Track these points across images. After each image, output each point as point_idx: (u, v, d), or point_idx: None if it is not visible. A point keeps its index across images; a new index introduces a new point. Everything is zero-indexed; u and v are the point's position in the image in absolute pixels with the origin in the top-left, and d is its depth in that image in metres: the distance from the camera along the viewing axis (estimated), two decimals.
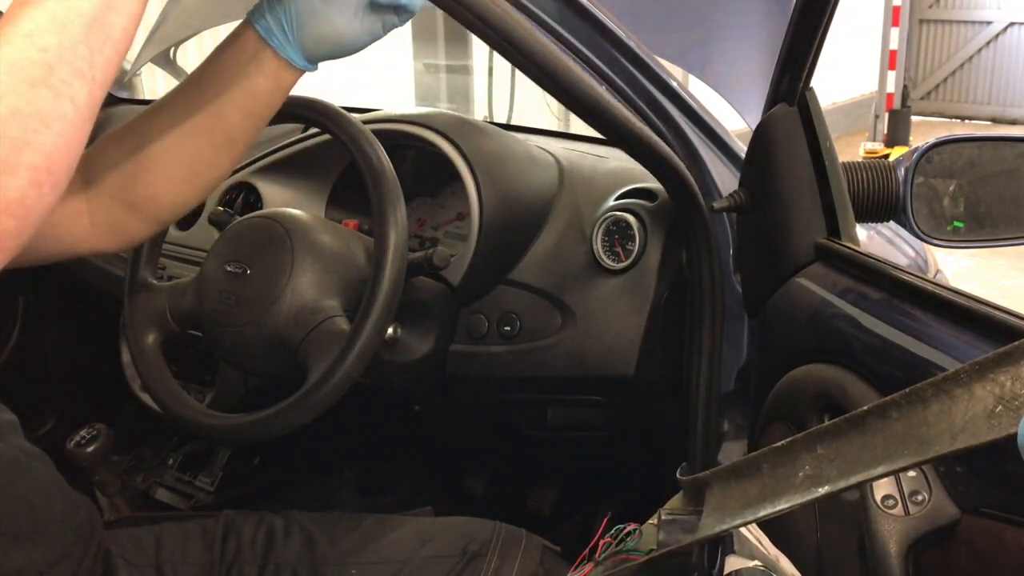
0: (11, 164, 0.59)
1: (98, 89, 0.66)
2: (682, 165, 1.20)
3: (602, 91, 1.08)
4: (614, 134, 1.14)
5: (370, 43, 0.86)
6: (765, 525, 0.83)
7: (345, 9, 0.82)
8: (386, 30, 0.86)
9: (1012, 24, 8.45)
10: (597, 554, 0.86)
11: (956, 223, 1.26)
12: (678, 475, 0.82)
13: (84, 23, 0.64)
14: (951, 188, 1.25)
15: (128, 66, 2.39)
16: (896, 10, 7.09)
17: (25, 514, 0.96)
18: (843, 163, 1.15)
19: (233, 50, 0.86)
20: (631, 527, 0.86)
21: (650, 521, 0.83)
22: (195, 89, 0.89)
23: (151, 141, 0.90)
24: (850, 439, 0.63)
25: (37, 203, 0.61)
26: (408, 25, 0.87)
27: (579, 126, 1.54)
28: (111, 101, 2.16)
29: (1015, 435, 0.52)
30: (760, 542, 0.80)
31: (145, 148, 0.90)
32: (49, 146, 0.62)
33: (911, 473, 0.80)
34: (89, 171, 0.92)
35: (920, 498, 0.78)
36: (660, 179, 1.24)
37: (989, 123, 8.67)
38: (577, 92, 1.03)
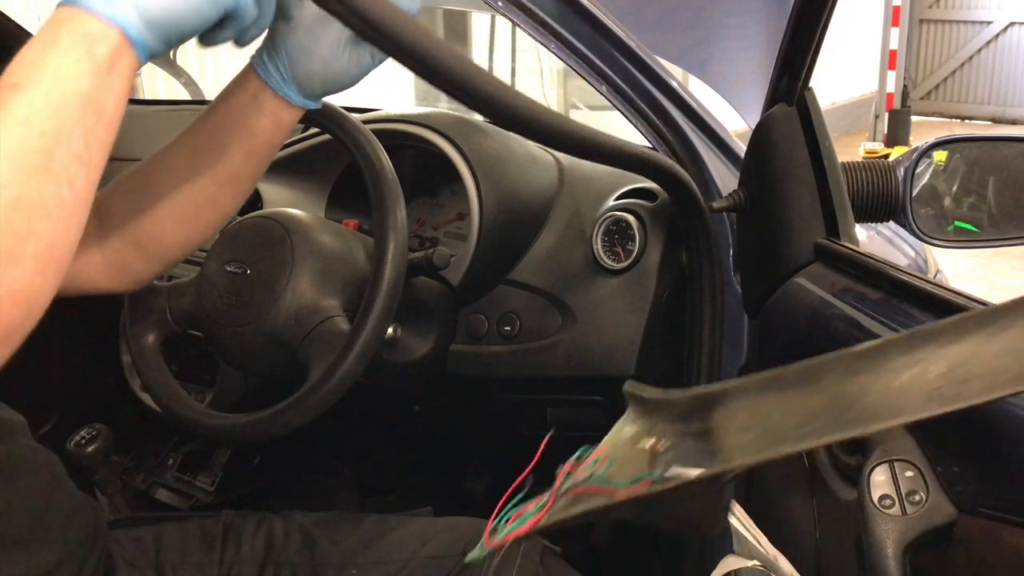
0: (17, 255, 0.58)
1: (94, 171, 0.65)
2: (675, 164, 1.20)
3: (552, 112, 1.02)
4: (594, 155, 1.13)
5: (361, 75, 0.87)
6: (764, 525, 0.83)
7: (330, 44, 0.84)
8: (376, 60, 0.86)
9: (1012, 24, 8.45)
10: (556, 486, 0.68)
11: (956, 223, 1.26)
12: (671, 394, 0.65)
13: (79, 103, 0.63)
14: (951, 188, 1.25)
15: None
16: (896, 10, 7.09)
17: (28, 515, 0.96)
18: (842, 163, 1.15)
19: (236, 91, 0.88)
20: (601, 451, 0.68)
21: (643, 444, 0.65)
22: (202, 129, 0.91)
23: (158, 179, 0.93)
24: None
25: (42, 291, 0.61)
26: None
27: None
28: None
29: None
30: (759, 541, 0.80)
31: (153, 186, 0.93)
32: (51, 234, 0.61)
33: (908, 473, 0.80)
34: (102, 209, 0.94)
35: (917, 498, 0.78)
36: (657, 181, 1.24)
37: (989, 123, 8.67)
38: (531, 120, 0.99)
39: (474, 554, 0.75)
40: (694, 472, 0.58)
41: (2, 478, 0.94)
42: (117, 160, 2.21)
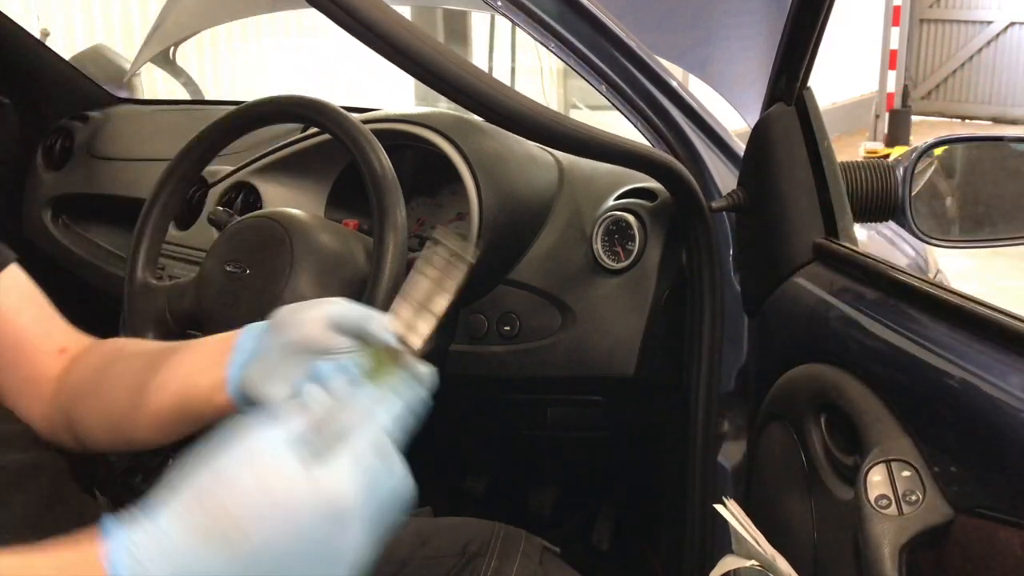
0: None
1: None
2: (674, 160, 1.20)
3: (547, 109, 1.01)
4: (586, 151, 1.14)
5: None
6: (762, 525, 0.83)
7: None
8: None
9: (1012, 24, 8.45)
10: None
11: (956, 223, 1.26)
12: None
13: None
14: (951, 188, 1.25)
15: (128, 66, 2.39)
16: (896, 10, 7.10)
17: (29, 530, 0.94)
18: (841, 163, 1.15)
19: (201, 379, 0.85)
20: None
21: None
22: (154, 364, 0.89)
23: (99, 382, 0.92)
24: None
25: None
26: None
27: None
28: (111, 101, 2.17)
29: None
30: (757, 542, 0.80)
31: (92, 384, 0.92)
32: None
33: (905, 473, 0.80)
34: (62, 381, 0.94)
35: (914, 498, 0.78)
36: (656, 177, 1.24)
37: (990, 123, 8.68)
38: (532, 121, 0.98)
39: None
40: None
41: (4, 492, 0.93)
42: (118, 160, 2.21)
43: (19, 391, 0.95)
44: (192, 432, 0.88)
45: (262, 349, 0.80)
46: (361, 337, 0.77)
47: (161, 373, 0.88)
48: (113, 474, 1.64)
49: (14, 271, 0.97)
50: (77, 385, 0.93)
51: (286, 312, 0.79)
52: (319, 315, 0.78)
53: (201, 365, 0.85)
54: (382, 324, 0.77)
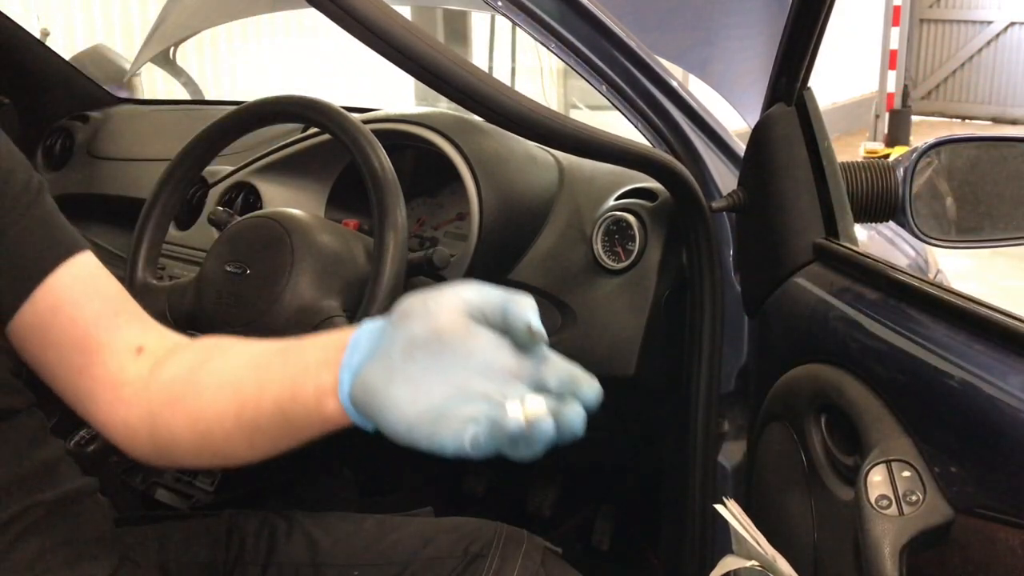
0: None
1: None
2: (674, 160, 1.20)
3: (546, 109, 1.01)
4: (586, 151, 1.14)
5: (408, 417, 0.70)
6: (763, 525, 0.83)
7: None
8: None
9: (1012, 24, 8.46)
10: None
11: (956, 223, 1.26)
12: None
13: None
14: (951, 188, 1.25)
15: (128, 66, 2.39)
16: (896, 10, 7.10)
17: (64, 557, 0.92)
18: (842, 163, 1.15)
19: (307, 380, 0.74)
20: None
21: None
22: (254, 364, 0.80)
23: (190, 383, 0.83)
24: None
25: None
26: None
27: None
28: (111, 101, 2.17)
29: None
30: (758, 542, 0.80)
31: (182, 386, 0.83)
32: None
33: (906, 473, 0.80)
34: (153, 377, 0.85)
35: (914, 498, 0.78)
36: (657, 178, 1.24)
37: (990, 123, 8.68)
38: (533, 121, 0.98)
39: None
40: None
41: (43, 526, 0.88)
42: (118, 160, 2.20)
43: (92, 395, 0.86)
44: (290, 448, 0.79)
45: (382, 346, 0.68)
46: (504, 326, 0.66)
47: (261, 375, 0.77)
48: (113, 474, 1.64)
49: (82, 261, 0.89)
50: (165, 387, 0.83)
51: (414, 301, 0.67)
52: (456, 302, 0.66)
53: (308, 365, 0.73)
54: (525, 305, 0.66)
